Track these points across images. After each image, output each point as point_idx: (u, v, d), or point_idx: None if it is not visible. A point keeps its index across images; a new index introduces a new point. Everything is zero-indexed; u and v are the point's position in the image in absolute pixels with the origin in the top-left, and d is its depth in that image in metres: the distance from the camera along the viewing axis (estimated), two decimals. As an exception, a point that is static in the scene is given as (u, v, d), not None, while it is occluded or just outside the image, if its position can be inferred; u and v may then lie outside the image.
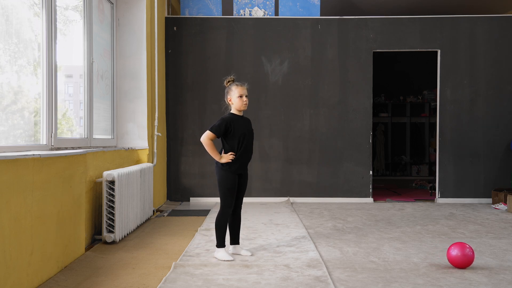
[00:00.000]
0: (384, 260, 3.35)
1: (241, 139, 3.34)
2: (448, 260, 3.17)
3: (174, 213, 5.44)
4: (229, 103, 3.41)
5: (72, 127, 4.37)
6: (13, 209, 2.46)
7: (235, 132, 3.33)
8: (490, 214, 5.39)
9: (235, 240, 3.51)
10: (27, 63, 3.42)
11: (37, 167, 2.72)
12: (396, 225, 4.68)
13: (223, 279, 2.88)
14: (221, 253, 3.34)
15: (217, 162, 3.37)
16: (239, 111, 3.39)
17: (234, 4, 6.57)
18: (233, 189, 3.36)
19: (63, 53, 3.96)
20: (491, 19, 6.41)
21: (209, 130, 3.32)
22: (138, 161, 5.16)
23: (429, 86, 9.89)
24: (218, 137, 3.35)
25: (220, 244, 3.37)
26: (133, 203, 4.32)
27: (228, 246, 3.51)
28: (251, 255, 3.44)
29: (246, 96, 3.36)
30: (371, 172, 6.36)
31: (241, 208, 3.50)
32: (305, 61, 6.42)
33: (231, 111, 3.42)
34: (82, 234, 3.46)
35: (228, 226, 3.47)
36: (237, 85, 3.36)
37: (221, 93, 6.31)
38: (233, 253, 3.47)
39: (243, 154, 3.37)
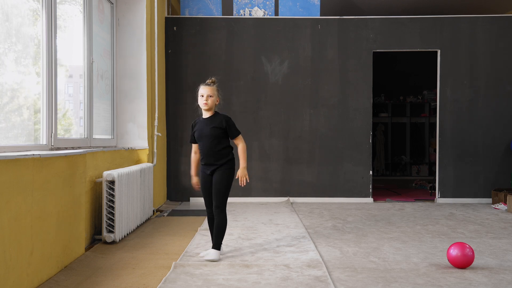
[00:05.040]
0: (384, 260, 3.35)
1: (200, 140, 3.43)
2: (448, 260, 3.17)
3: (174, 213, 5.44)
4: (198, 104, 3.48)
5: (71, 126, 4.37)
6: (13, 209, 2.46)
7: (195, 134, 3.45)
8: (490, 214, 5.39)
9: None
10: (27, 62, 3.42)
11: (37, 167, 2.72)
12: (396, 225, 4.68)
13: (223, 279, 2.88)
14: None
15: None
16: (205, 111, 3.42)
17: (234, 4, 6.57)
18: (202, 189, 3.47)
19: (63, 53, 3.96)
20: (491, 19, 6.41)
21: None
22: (138, 161, 5.16)
23: (429, 86, 9.89)
24: (194, 143, 3.52)
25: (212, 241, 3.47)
26: (133, 203, 4.32)
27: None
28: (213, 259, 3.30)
29: (209, 96, 3.35)
30: (371, 172, 6.36)
31: (216, 208, 3.36)
32: (305, 61, 6.42)
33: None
34: (82, 234, 3.46)
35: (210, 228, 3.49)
36: (202, 85, 3.41)
37: (221, 93, 6.34)
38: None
39: (204, 156, 3.42)
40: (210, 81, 3.42)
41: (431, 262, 3.30)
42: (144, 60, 5.27)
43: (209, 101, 3.36)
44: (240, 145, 3.44)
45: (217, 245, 3.35)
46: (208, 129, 3.37)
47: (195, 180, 3.56)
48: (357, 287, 2.76)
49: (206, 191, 3.44)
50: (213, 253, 3.31)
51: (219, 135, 3.38)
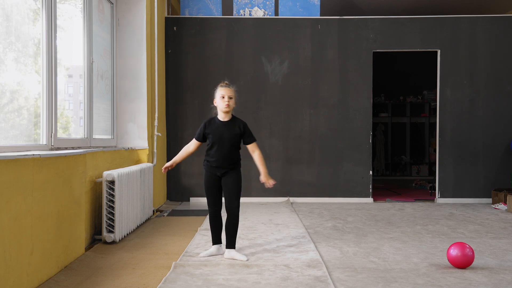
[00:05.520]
0: (384, 260, 3.35)
1: (217, 143, 3.36)
2: (448, 260, 3.17)
3: (174, 213, 5.44)
4: (215, 105, 3.42)
5: (69, 124, 4.37)
6: (13, 209, 2.46)
7: (210, 136, 3.38)
8: (490, 214, 5.39)
9: (218, 240, 3.48)
10: (26, 62, 3.42)
11: (37, 167, 2.72)
12: (396, 225, 4.68)
13: (223, 279, 2.88)
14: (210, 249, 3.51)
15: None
16: (224, 113, 3.37)
17: (234, 4, 6.57)
18: (209, 189, 3.41)
19: (63, 53, 3.96)
20: (491, 19, 6.41)
21: (194, 137, 3.47)
22: (138, 161, 5.16)
23: (429, 86, 9.89)
24: (200, 141, 3.44)
25: (212, 241, 3.51)
26: (133, 203, 4.32)
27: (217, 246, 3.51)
28: (247, 260, 3.32)
29: (229, 98, 3.32)
30: (371, 172, 6.36)
31: (236, 208, 3.39)
32: (305, 61, 6.42)
33: (215, 115, 3.44)
34: (82, 234, 3.46)
35: (225, 228, 3.45)
36: (222, 86, 3.37)
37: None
38: (216, 254, 3.42)
39: (217, 158, 3.36)
40: (225, 83, 3.39)
41: (431, 262, 3.30)
42: (144, 60, 5.27)
43: (231, 103, 3.33)
44: (257, 152, 3.48)
45: (234, 243, 3.41)
46: (229, 134, 3.35)
47: (171, 164, 3.43)
48: (357, 287, 2.76)
49: (211, 191, 3.41)
50: (237, 253, 3.37)
51: (238, 140, 3.40)
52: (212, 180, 3.40)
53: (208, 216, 3.53)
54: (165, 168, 3.44)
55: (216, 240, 3.48)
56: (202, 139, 3.43)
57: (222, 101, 3.32)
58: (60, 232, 3.05)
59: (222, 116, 3.39)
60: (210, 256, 3.42)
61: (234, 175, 3.41)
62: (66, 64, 4.09)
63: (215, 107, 3.41)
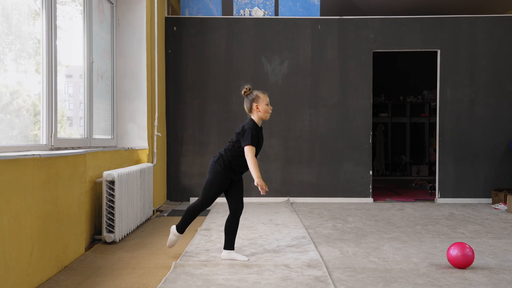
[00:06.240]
0: (384, 260, 3.35)
1: (259, 150, 3.34)
2: (448, 260, 3.17)
3: (174, 213, 5.44)
4: (255, 111, 3.31)
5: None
6: (13, 209, 2.46)
7: (259, 143, 3.32)
8: (490, 214, 5.39)
9: (184, 230, 3.48)
10: (26, 62, 3.42)
11: (37, 167, 2.72)
12: (396, 225, 4.68)
13: (223, 279, 2.88)
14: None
15: (218, 158, 3.32)
16: (262, 120, 3.34)
17: (234, 4, 6.57)
18: (217, 192, 3.35)
19: (63, 53, 3.96)
20: (491, 19, 6.41)
21: (250, 144, 3.21)
22: (138, 161, 5.16)
23: (429, 86, 9.89)
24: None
25: (180, 229, 3.47)
26: (133, 203, 4.32)
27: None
28: (247, 260, 3.31)
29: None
30: (371, 172, 6.36)
31: (241, 209, 3.38)
32: (305, 61, 6.42)
33: (252, 119, 3.32)
34: (82, 234, 3.46)
35: (225, 229, 3.41)
36: (263, 92, 3.33)
37: (221, 93, 6.36)
38: (226, 258, 3.37)
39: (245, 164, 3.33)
40: (248, 88, 3.33)
41: (431, 262, 3.30)
42: (144, 60, 5.27)
43: None
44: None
45: (234, 244, 3.38)
46: (263, 140, 3.37)
47: (262, 182, 3.20)
48: (357, 287, 2.76)
49: (218, 194, 3.37)
50: (237, 254, 3.36)
51: None
52: (226, 184, 3.34)
53: (207, 216, 3.54)
54: (265, 190, 3.19)
55: (183, 230, 3.47)
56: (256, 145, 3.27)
57: (267, 108, 3.29)
58: (60, 232, 3.05)
59: (259, 123, 3.35)
60: (175, 243, 3.47)
61: (242, 179, 3.44)
62: (66, 64, 4.09)
63: (249, 113, 3.34)
